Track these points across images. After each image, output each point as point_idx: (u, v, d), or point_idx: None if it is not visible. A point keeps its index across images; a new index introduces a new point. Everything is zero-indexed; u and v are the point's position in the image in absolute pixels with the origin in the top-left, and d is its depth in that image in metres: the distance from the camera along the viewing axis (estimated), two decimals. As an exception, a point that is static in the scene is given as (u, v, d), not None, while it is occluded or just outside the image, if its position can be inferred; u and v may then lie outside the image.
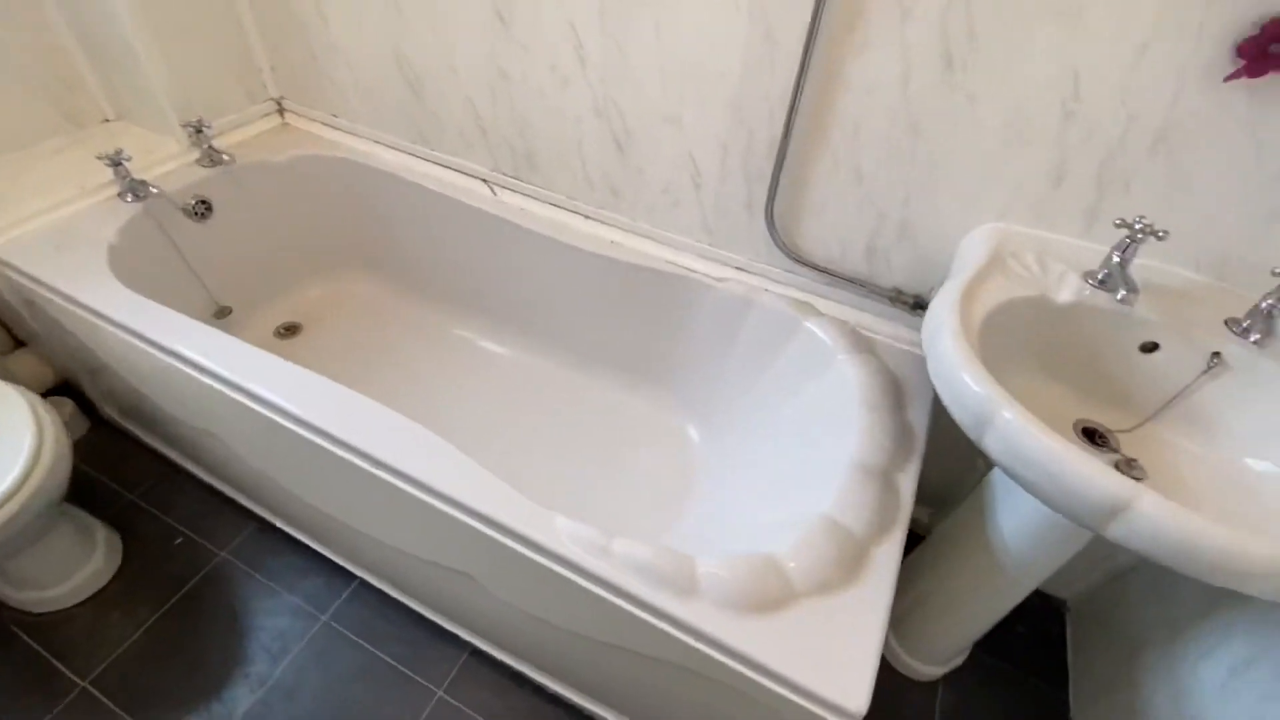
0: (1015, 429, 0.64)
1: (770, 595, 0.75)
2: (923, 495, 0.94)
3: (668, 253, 1.23)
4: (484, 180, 1.36)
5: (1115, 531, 0.61)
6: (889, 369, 1.04)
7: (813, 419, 1.07)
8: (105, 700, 1.04)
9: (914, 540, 0.96)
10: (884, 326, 1.11)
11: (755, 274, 1.19)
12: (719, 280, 1.19)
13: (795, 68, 0.91)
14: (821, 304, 1.14)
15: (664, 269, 1.22)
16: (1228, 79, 0.72)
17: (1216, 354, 0.78)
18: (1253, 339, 0.75)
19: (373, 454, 0.85)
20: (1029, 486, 0.66)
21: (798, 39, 0.89)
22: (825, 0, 0.85)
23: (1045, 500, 0.65)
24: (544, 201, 1.31)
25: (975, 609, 1.04)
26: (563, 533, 0.78)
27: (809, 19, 0.86)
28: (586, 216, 1.29)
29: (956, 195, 0.94)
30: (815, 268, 1.11)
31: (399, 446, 0.86)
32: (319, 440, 0.88)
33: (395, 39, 1.24)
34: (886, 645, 1.17)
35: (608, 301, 1.32)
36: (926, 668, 1.16)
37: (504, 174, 1.33)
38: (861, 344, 1.07)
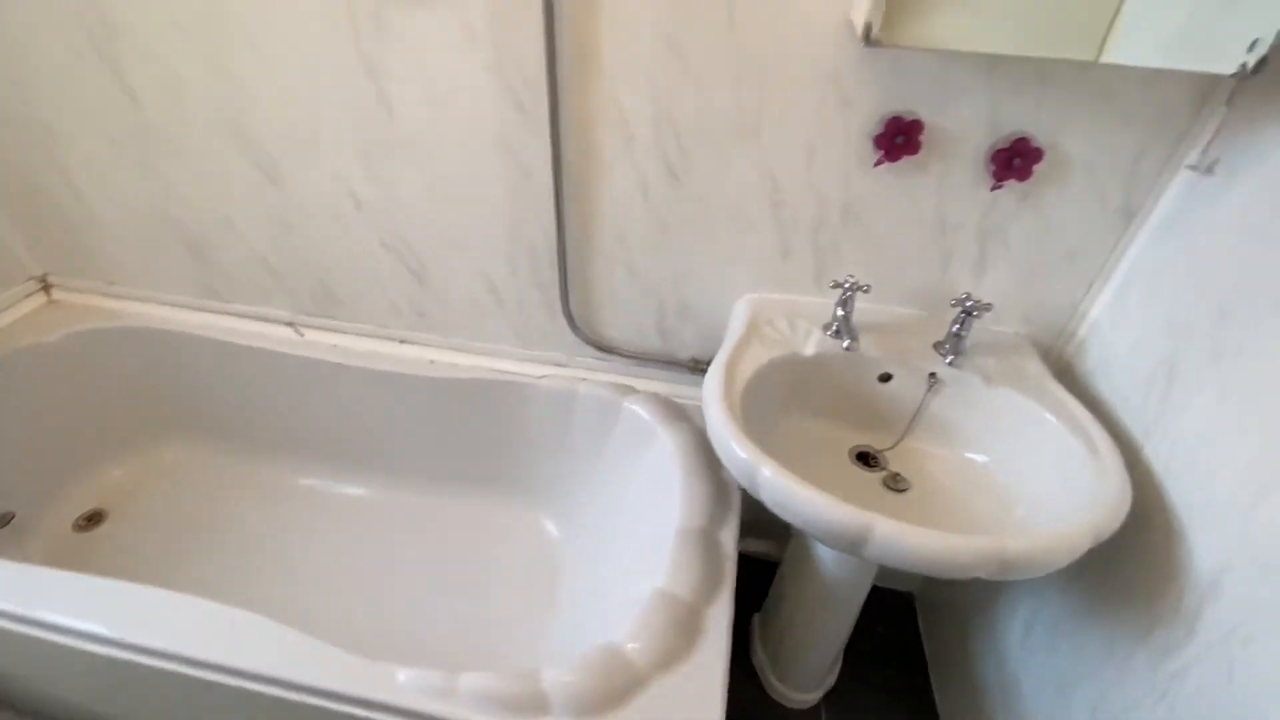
0: (775, 483, 0.75)
1: (617, 687, 0.79)
2: (764, 530, 1.03)
3: (487, 361, 1.28)
4: (288, 324, 1.34)
5: (869, 553, 0.72)
6: (702, 431, 1.14)
7: (648, 492, 1.15)
8: None
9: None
10: (693, 391, 1.22)
11: (575, 367, 1.27)
12: (539, 378, 1.25)
13: (551, 192, 1.02)
14: (638, 383, 1.24)
15: (486, 377, 1.27)
16: (876, 165, 0.91)
17: (933, 374, 0.95)
18: (948, 361, 0.93)
19: (181, 654, 0.79)
20: (798, 525, 0.76)
21: (546, 168, 1.00)
22: (561, 136, 0.96)
23: (812, 535, 0.76)
24: (355, 334, 1.32)
25: (826, 626, 1.14)
26: (405, 685, 0.78)
27: (550, 152, 0.97)
28: (401, 341, 1.31)
29: (714, 276, 1.08)
30: (621, 353, 1.21)
31: (210, 638, 0.81)
32: (122, 654, 0.81)
33: (160, 203, 1.21)
34: (768, 683, 1.24)
35: (443, 418, 1.34)
36: (805, 695, 1.24)
37: (307, 314, 1.32)
38: (676, 413, 1.17)
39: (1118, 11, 0.66)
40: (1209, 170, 0.79)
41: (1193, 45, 0.66)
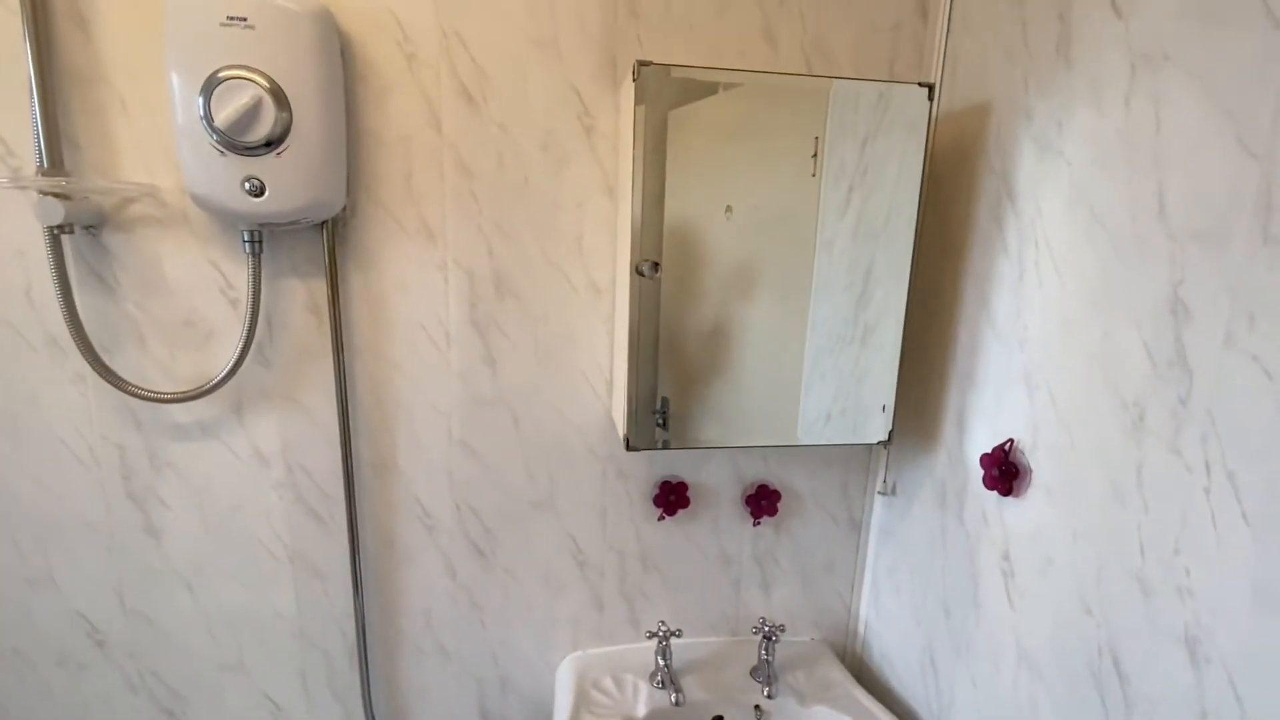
0: None
1: None
2: None
3: (264, 806, 1.03)
4: (-49, 829, 0.96)
5: None
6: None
7: None
8: None
9: None
10: (527, 779, 1.09)
11: (380, 780, 1.07)
12: (336, 813, 1.02)
13: (350, 589, 0.97)
14: (460, 782, 1.07)
15: (262, 831, 1.00)
16: (659, 520, 1.04)
17: (756, 706, 0.99)
18: (765, 692, 0.98)
19: None
20: None
21: (344, 569, 0.97)
22: (360, 536, 0.97)
23: None
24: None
25: None
26: None
27: (348, 552, 0.96)
28: (137, 808, 1.01)
29: (533, 643, 1.07)
30: (438, 752, 1.06)
31: None
32: None
33: None
34: None
35: None
36: None
37: (-11, 806, 0.97)
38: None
39: (799, 411, 0.92)
40: (892, 491, 1.05)
41: (849, 424, 0.93)
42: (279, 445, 0.93)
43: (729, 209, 0.86)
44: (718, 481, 1.06)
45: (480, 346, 0.95)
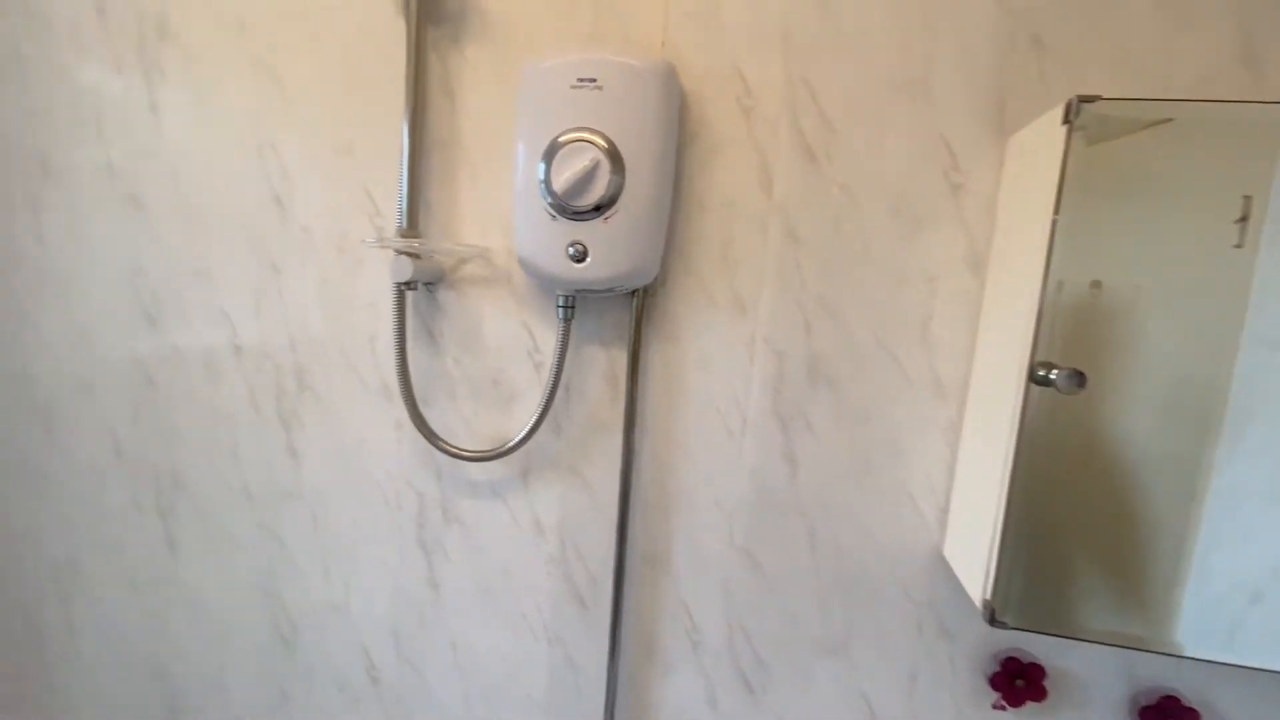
0: None
1: None
2: None
3: None
4: (243, 815, 1.06)
5: None
6: None
7: None
8: None
9: None
10: None
11: None
12: None
13: (602, 693, 0.87)
14: None
15: None
16: (995, 708, 0.77)
17: None
18: None
19: None
20: None
21: (599, 665, 0.87)
22: (621, 631, 0.86)
23: None
24: (322, 838, 1.02)
25: None
26: None
27: (608, 648, 0.86)
28: None
29: (799, 817, 0.85)
30: None
31: None
32: None
33: (150, 654, 1.07)
34: None
35: None
36: None
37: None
38: None
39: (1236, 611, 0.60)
40: None
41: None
42: (557, 518, 0.88)
43: (1096, 284, 0.61)
44: (1092, 674, 0.75)
45: (780, 440, 0.80)
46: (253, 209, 0.91)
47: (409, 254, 0.80)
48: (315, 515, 0.97)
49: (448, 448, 0.85)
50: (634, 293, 0.79)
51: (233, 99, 0.90)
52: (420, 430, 0.85)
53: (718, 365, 0.81)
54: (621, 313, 0.81)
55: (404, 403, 0.84)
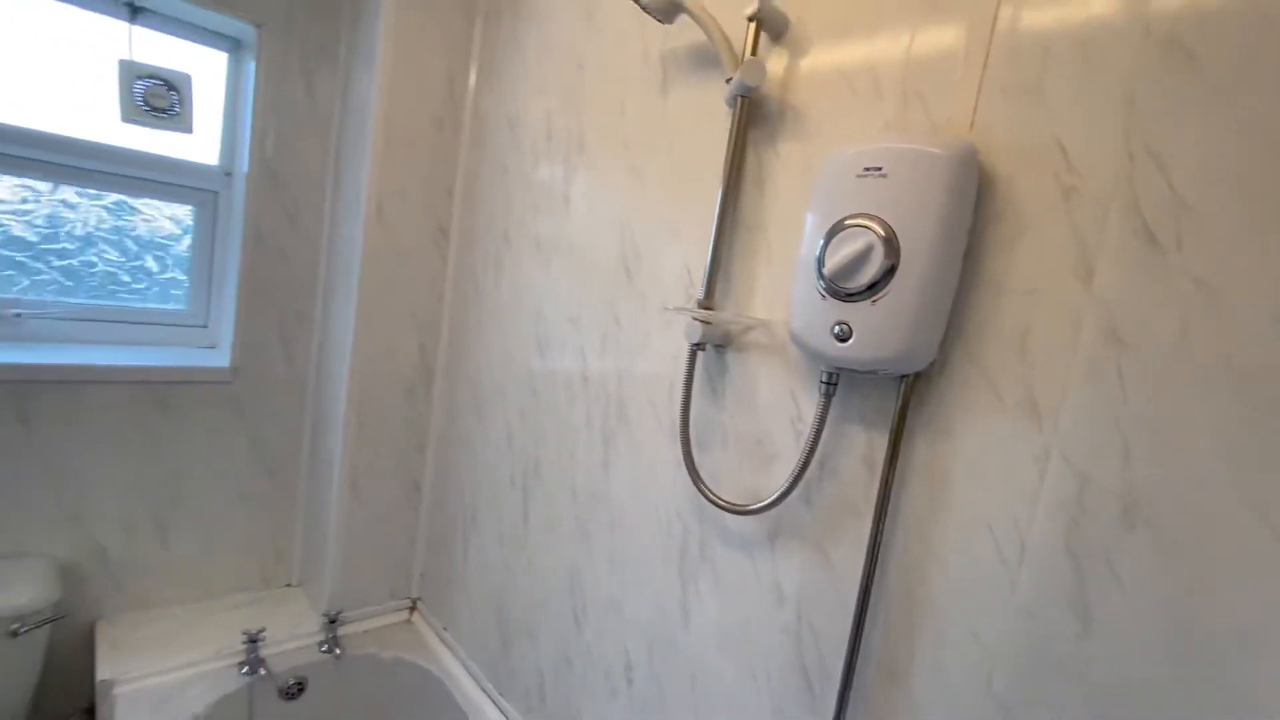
0: None
1: None
2: None
3: None
4: (529, 746, 1.32)
5: None
6: None
7: None
8: None
9: None
10: None
11: None
12: None
13: (815, 789, 0.82)
14: None
15: None
16: None
17: None
18: None
19: None
20: None
21: (817, 760, 0.83)
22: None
23: None
24: (573, 798, 1.21)
25: None
26: None
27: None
28: (609, 837, 1.13)
29: None
30: None
31: None
32: None
33: (500, 593, 1.43)
34: None
35: None
36: None
37: (548, 748, 1.29)
38: None
39: None
40: None
41: None
42: (796, 589, 0.88)
43: None
44: None
45: (1071, 585, 0.65)
46: (610, 274, 1.18)
47: (702, 320, 0.93)
48: (613, 521, 1.17)
49: (707, 492, 0.94)
50: (903, 378, 0.75)
51: (613, 193, 1.18)
52: (689, 470, 0.96)
53: (995, 474, 0.70)
54: (887, 397, 0.78)
55: (680, 443, 0.97)
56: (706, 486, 0.94)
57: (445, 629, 1.64)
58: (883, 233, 0.71)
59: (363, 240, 1.49)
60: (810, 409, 0.86)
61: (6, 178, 1.40)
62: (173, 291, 1.66)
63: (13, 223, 1.43)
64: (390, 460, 1.65)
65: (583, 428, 1.24)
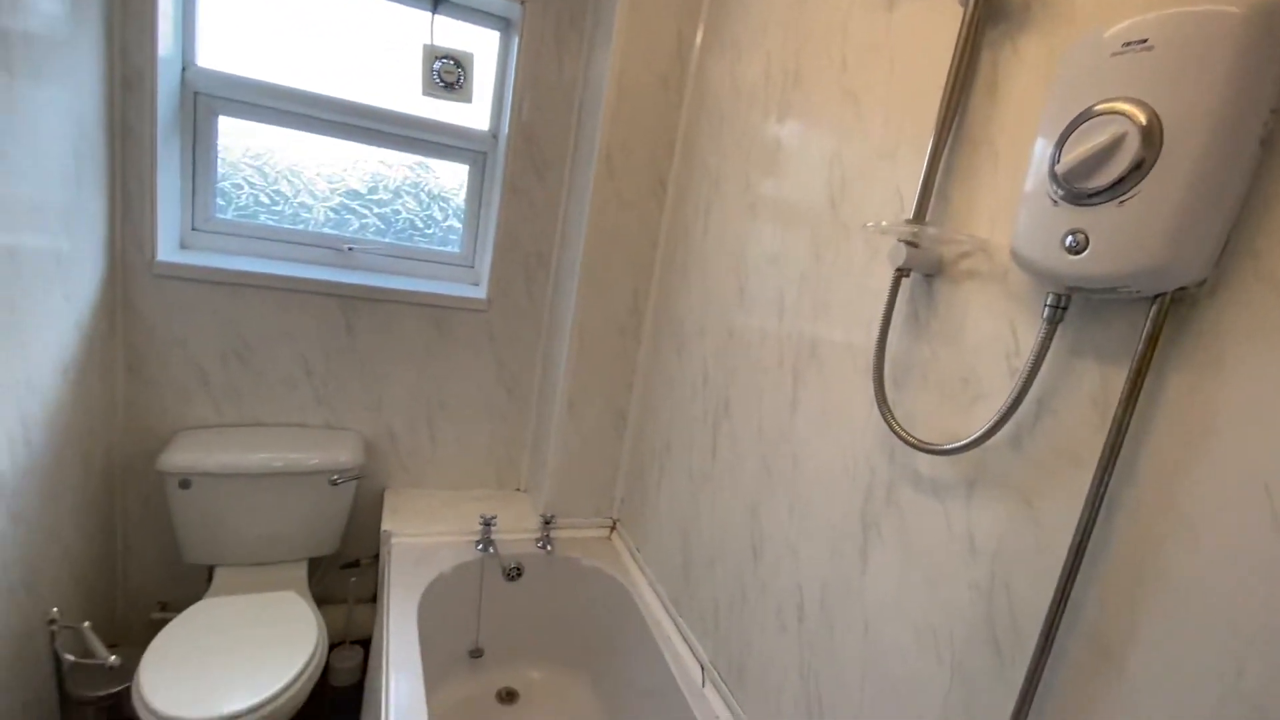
0: None
1: None
2: None
3: None
4: (701, 667, 1.38)
5: None
6: None
7: None
8: None
9: None
10: None
11: None
12: None
13: (992, 762, 0.74)
14: None
15: None
16: None
17: None
18: None
19: None
20: None
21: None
22: (1031, 707, 0.71)
23: None
24: (736, 716, 1.24)
25: None
26: None
27: (1013, 709, 0.72)
28: (768, 766, 1.15)
29: None
30: None
31: None
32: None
33: (685, 523, 1.51)
34: None
35: None
36: None
37: (718, 672, 1.34)
38: None
39: None
40: None
41: None
42: (993, 545, 0.79)
43: None
44: None
45: (1394, 572, 0.48)
46: (815, 209, 1.15)
47: (908, 242, 0.86)
48: (796, 460, 1.16)
49: (899, 430, 0.88)
50: (1155, 299, 0.62)
51: (824, 124, 1.14)
52: (880, 408, 0.91)
53: (1283, 422, 0.55)
54: (1134, 324, 0.65)
55: (873, 380, 0.92)
56: (899, 425, 0.89)
57: (638, 550, 1.78)
58: (1143, 118, 0.59)
59: (591, 192, 1.65)
60: (1030, 342, 0.76)
61: (348, 142, 1.83)
62: (450, 236, 2.02)
63: (349, 177, 1.87)
64: (602, 390, 1.82)
65: (773, 368, 1.24)
